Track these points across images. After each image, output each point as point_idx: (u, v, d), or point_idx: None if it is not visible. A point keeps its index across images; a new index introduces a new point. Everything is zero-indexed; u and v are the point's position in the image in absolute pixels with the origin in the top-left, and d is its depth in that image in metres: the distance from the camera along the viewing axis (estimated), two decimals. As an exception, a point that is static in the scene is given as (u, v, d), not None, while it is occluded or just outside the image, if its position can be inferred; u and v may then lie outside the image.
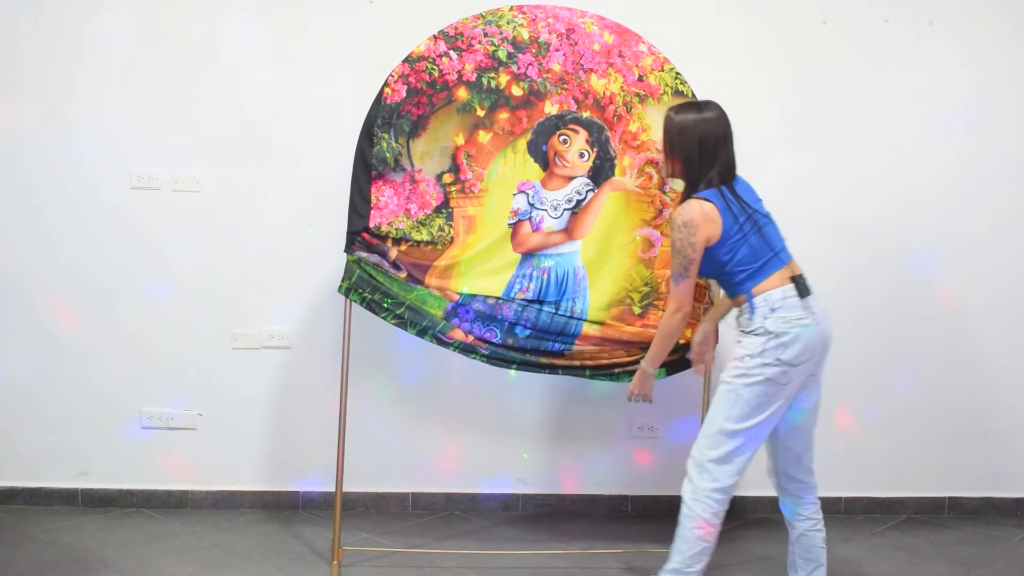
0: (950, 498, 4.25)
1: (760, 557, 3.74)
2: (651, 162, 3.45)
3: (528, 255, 3.46)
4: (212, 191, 3.94)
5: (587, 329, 3.44)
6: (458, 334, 3.43)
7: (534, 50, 3.42)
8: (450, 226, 3.43)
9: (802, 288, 2.97)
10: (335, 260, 3.67)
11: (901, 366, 4.16)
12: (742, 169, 3.90)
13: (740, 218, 2.97)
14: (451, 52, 3.39)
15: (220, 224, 3.95)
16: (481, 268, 3.44)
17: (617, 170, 3.46)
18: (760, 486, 4.19)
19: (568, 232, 3.45)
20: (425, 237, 3.42)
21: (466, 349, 3.43)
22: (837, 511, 4.20)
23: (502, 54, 3.41)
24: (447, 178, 3.43)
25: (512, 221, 3.45)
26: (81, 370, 3.97)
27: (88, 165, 3.90)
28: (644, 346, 3.40)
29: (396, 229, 3.40)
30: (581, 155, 3.45)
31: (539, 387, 4.04)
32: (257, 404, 4.03)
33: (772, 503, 4.17)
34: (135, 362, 3.98)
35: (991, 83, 4.09)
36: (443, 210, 3.43)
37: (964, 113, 4.09)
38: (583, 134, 3.44)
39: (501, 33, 3.41)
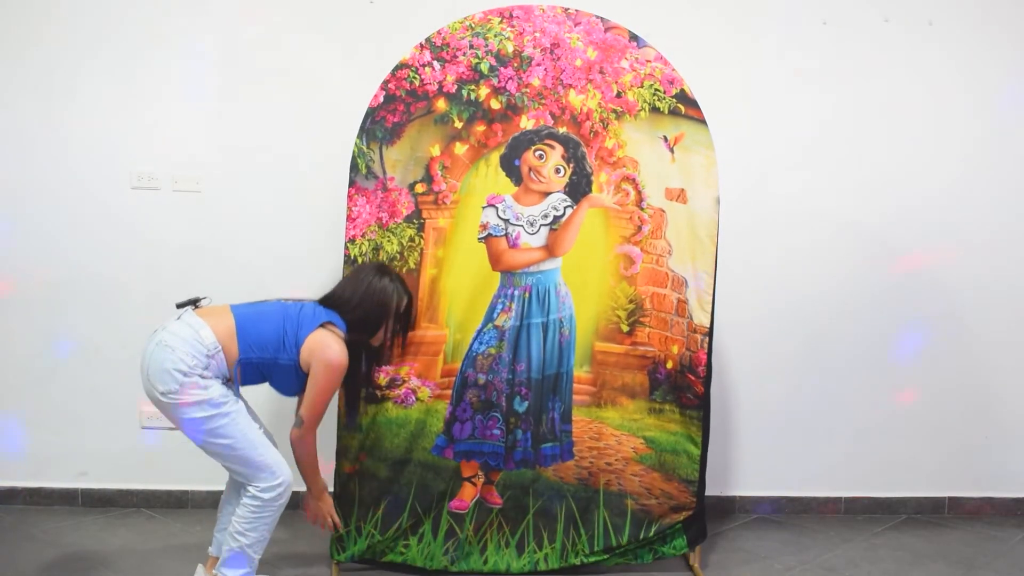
0: (950, 498, 4.25)
1: (760, 557, 3.74)
2: (628, 179, 3.44)
3: (508, 273, 3.45)
4: (212, 191, 3.94)
5: (579, 373, 3.49)
6: (467, 492, 3.50)
7: (516, 64, 3.41)
8: (421, 237, 3.43)
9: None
10: (335, 260, 3.67)
11: (901, 366, 4.16)
12: (741, 167, 3.92)
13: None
14: (435, 63, 3.38)
15: (220, 224, 3.95)
16: (463, 291, 3.44)
17: (594, 187, 3.45)
18: (759, 486, 4.20)
19: (548, 249, 3.45)
20: (395, 247, 3.41)
21: (482, 516, 3.50)
22: (837, 511, 4.20)
23: (484, 67, 3.40)
24: (419, 188, 3.42)
25: (482, 236, 3.44)
26: (81, 370, 3.97)
27: (88, 165, 3.90)
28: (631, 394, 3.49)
29: (373, 258, 3.40)
30: (557, 170, 3.44)
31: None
32: (257, 404, 4.00)
33: (772, 503, 4.19)
34: (135, 362, 3.96)
35: (991, 83, 4.09)
36: (414, 220, 3.42)
37: (964, 113, 4.09)
38: (559, 149, 3.43)
39: (487, 45, 3.40)
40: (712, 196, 3.41)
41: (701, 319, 3.44)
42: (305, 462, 3.20)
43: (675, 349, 3.47)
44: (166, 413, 3.03)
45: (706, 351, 3.44)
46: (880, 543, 3.92)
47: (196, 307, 3.11)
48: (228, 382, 3.10)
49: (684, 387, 3.46)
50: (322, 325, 3.06)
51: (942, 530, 4.07)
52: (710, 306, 3.44)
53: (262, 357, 3.06)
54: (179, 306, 3.10)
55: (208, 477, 4.03)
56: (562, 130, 3.43)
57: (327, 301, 3.17)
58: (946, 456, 4.22)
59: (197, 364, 2.96)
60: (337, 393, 3.41)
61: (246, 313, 3.09)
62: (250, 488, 3.09)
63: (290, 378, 3.11)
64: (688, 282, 3.44)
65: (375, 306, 3.15)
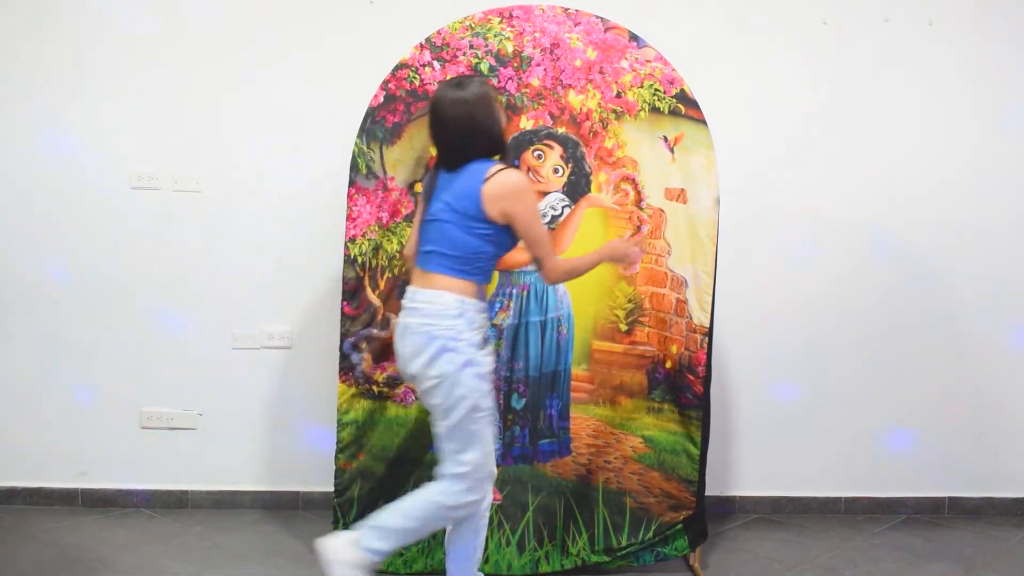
0: (950, 498, 4.25)
1: (760, 557, 3.74)
2: (627, 179, 3.45)
3: (506, 272, 3.46)
4: (212, 191, 3.94)
5: (576, 371, 3.49)
6: None
7: (516, 64, 3.41)
8: None
9: (400, 292, 2.99)
10: (335, 260, 3.67)
11: (901, 366, 4.16)
12: (741, 166, 3.91)
13: (425, 198, 2.97)
14: (435, 62, 3.38)
15: (220, 224, 3.95)
16: None
17: (593, 186, 3.45)
18: (759, 486, 4.20)
19: None
20: (395, 247, 3.41)
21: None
22: (837, 511, 4.20)
23: (484, 67, 3.40)
24: (419, 187, 3.42)
25: None
26: (81, 370, 3.97)
27: (88, 165, 3.90)
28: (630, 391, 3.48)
29: (373, 258, 3.39)
30: (555, 170, 3.45)
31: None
32: (257, 404, 4.03)
33: (772, 503, 4.19)
34: (135, 362, 3.98)
35: (991, 83, 4.09)
36: (413, 219, 3.42)
37: (964, 113, 4.09)
38: (558, 150, 3.44)
39: (487, 45, 3.40)
40: (712, 196, 3.41)
41: (700, 319, 3.44)
42: (574, 271, 2.99)
43: (674, 349, 3.47)
44: (441, 392, 2.84)
45: (705, 351, 3.44)
46: (880, 543, 3.91)
47: (407, 284, 2.97)
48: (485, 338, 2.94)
49: (683, 387, 3.47)
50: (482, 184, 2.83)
51: (942, 530, 4.07)
52: (710, 306, 3.44)
53: (482, 263, 2.88)
54: (400, 296, 2.97)
55: (208, 477, 4.04)
56: (561, 130, 3.42)
57: (453, 164, 2.88)
58: (946, 456, 4.22)
59: (461, 328, 2.82)
60: (336, 387, 3.43)
61: (430, 255, 2.88)
62: (442, 480, 2.92)
63: (508, 241, 2.92)
64: (688, 282, 3.44)
65: (491, 113, 2.86)
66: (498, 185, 2.80)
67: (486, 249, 2.87)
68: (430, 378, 2.84)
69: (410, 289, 2.92)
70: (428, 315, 2.84)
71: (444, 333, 2.81)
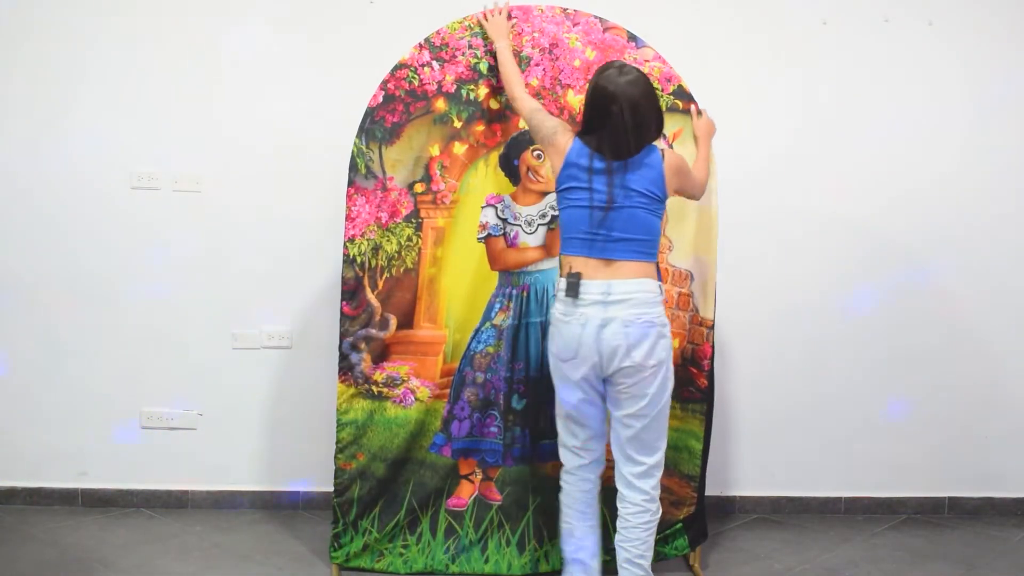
0: (950, 498, 4.24)
1: (760, 557, 3.74)
2: None
3: (506, 273, 3.45)
4: (212, 191, 3.94)
5: None
6: (464, 489, 3.50)
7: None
8: (419, 236, 3.42)
9: (571, 288, 2.91)
10: (335, 260, 3.67)
11: (901, 366, 4.16)
12: (741, 165, 3.91)
13: (580, 173, 2.93)
14: (434, 62, 3.38)
15: (220, 224, 3.95)
16: (462, 291, 3.44)
17: None
18: (759, 486, 4.20)
19: (546, 249, 3.44)
20: (393, 247, 3.41)
21: (481, 514, 3.50)
22: (837, 511, 4.20)
23: (483, 67, 3.39)
24: (418, 188, 3.41)
25: (481, 236, 3.44)
26: (81, 370, 3.97)
27: (88, 165, 3.90)
28: None
29: (372, 258, 3.38)
30: None
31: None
32: (257, 404, 4.03)
33: (772, 503, 4.19)
34: (135, 362, 3.98)
35: (991, 83, 4.09)
36: (412, 220, 3.42)
37: (964, 113, 4.09)
38: None
39: (486, 45, 3.39)
40: (712, 191, 3.41)
41: (707, 313, 3.44)
42: (708, 172, 3.23)
43: (675, 343, 3.46)
44: (658, 379, 2.90)
45: (711, 344, 3.43)
46: (880, 543, 3.91)
47: (580, 279, 2.89)
48: None
49: (686, 381, 3.46)
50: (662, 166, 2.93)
51: (942, 530, 4.07)
52: (712, 300, 3.44)
53: (659, 243, 2.99)
54: (574, 293, 2.88)
55: (208, 477, 4.04)
56: None
57: (630, 151, 2.90)
58: (946, 456, 4.21)
59: (664, 312, 2.92)
60: (336, 387, 3.43)
61: (618, 243, 2.88)
62: (642, 493, 2.96)
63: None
64: (693, 275, 3.44)
65: (653, 97, 2.95)
66: (674, 164, 2.98)
67: (657, 231, 2.97)
68: (649, 368, 2.86)
69: (596, 284, 2.87)
70: (639, 304, 2.85)
71: (659, 320, 2.88)
